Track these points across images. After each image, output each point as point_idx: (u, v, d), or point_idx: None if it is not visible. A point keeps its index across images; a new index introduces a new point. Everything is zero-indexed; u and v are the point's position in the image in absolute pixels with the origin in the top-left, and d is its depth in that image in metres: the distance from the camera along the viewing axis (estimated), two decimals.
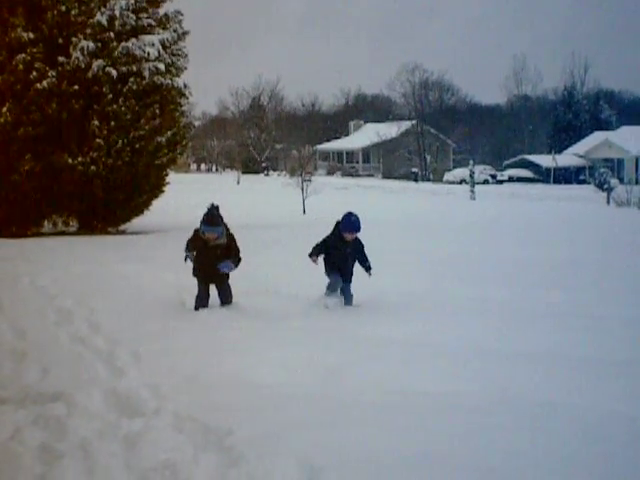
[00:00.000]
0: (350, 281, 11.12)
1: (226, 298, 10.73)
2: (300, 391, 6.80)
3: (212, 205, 10.54)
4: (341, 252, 10.91)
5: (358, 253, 11.09)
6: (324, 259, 11.03)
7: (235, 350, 8.37)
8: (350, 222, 10.87)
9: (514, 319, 10.38)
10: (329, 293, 10.83)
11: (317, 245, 10.97)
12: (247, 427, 5.67)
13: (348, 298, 11.03)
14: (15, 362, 8.01)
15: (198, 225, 10.51)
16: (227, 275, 10.72)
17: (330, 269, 10.97)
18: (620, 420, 5.99)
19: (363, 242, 11.19)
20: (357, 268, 11.17)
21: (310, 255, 10.93)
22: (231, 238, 10.64)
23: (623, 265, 17.27)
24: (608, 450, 5.28)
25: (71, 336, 9.05)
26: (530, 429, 5.72)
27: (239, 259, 10.63)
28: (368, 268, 11.13)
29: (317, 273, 11.12)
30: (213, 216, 10.42)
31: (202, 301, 10.58)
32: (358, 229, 10.89)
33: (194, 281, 10.75)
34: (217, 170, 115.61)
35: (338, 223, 10.99)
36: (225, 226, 10.54)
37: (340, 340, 8.58)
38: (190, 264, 10.73)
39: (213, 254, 10.49)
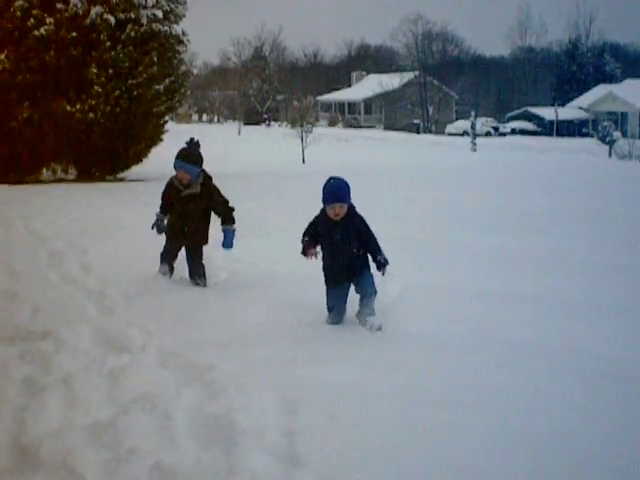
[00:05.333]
0: (357, 279, 7.29)
1: (197, 269, 8.82)
2: (285, 331, 6.89)
3: (191, 139, 8.79)
4: (330, 240, 7.15)
5: (359, 238, 7.13)
6: (322, 258, 7.37)
7: (224, 291, 8.46)
8: (330, 191, 7.01)
9: (506, 264, 10.44)
10: (328, 319, 7.30)
11: (304, 232, 7.36)
12: (229, 363, 5.77)
13: (365, 302, 7.21)
14: (6, 302, 8.07)
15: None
16: (201, 240, 8.82)
17: (327, 276, 7.39)
18: (592, 359, 6.13)
19: (366, 222, 7.20)
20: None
21: (303, 250, 7.27)
22: (213, 190, 8.65)
23: (620, 214, 17.28)
24: (578, 386, 5.41)
25: (62, 277, 9.11)
26: (509, 367, 5.82)
27: (232, 209, 8.69)
28: (380, 263, 7.10)
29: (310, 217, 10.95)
30: (189, 150, 8.61)
31: (168, 256, 8.88)
32: (341, 199, 6.95)
33: None
34: (219, 121, 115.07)
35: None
36: (205, 173, 8.66)
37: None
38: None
39: (184, 208, 8.62)
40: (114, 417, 4.85)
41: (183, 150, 8.62)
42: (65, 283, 8.86)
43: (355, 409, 4.89)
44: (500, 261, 10.66)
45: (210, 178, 8.72)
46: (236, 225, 8.77)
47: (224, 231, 8.72)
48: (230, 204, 8.74)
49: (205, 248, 8.95)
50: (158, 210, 8.82)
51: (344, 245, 7.09)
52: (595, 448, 4.41)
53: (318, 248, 7.24)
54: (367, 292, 7.17)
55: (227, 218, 8.70)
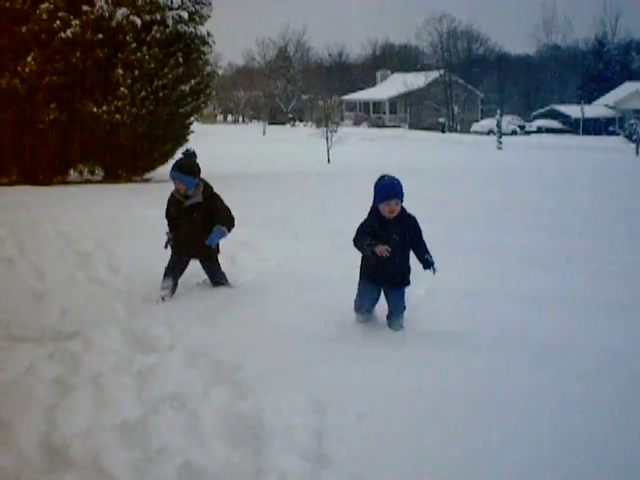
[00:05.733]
0: (401, 286, 7.09)
1: (218, 277, 8.72)
2: (313, 331, 6.89)
3: (187, 150, 8.76)
4: (388, 241, 6.77)
5: (413, 238, 6.99)
6: (361, 259, 7.10)
7: (251, 292, 8.46)
8: (385, 187, 6.85)
9: (535, 264, 10.41)
10: (358, 318, 7.29)
11: (357, 237, 6.93)
12: (257, 363, 5.78)
13: (395, 317, 7.10)
14: (35, 303, 8.13)
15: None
16: (213, 250, 8.58)
17: (364, 277, 7.14)
18: (616, 358, 6.10)
19: (417, 221, 7.07)
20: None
21: (371, 249, 6.73)
22: (214, 198, 8.47)
23: None
24: (608, 386, 5.38)
25: (90, 277, 9.16)
26: (538, 367, 5.80)
27: (232, 218, 8.46)
28: (429, 263, 6.95)
29: (336, 217, 10.85)
30: (184, 161, 8.50)
31: (173, 271, 8.52)
32: (397, 194, 6.81)
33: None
34: (243, 121, 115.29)
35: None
36: (204, 182, 8.48)
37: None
38: None
39: (189, 219, 8.39)
40: (143, 416, 4.87)
41: (179, 161, 8.53)
42: (93, 283, 8.91)
43: (383, 409, 4.89)
44: (529, 261, 10.62)
45: (211, 187, 8.54)
46: (229, 233, 8.45)
47: (214, 229, 8.33)
48: (232, 213, 8.50)
49: (230, 249, 8.93)
50: (168, 229, 8.64)
51: (403, 246, 6.90)
52: (628, 450, 4.39)
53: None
54: (398, 308, 7.07)
55: (225, 223, 8.40)
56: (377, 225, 6.87)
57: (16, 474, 4.28)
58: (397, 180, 6.90)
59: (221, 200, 8.50)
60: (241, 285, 8.78)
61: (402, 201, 6.88)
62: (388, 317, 7.11)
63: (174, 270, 8.50)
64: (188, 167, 8.38)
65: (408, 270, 7.04)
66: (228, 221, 8.41)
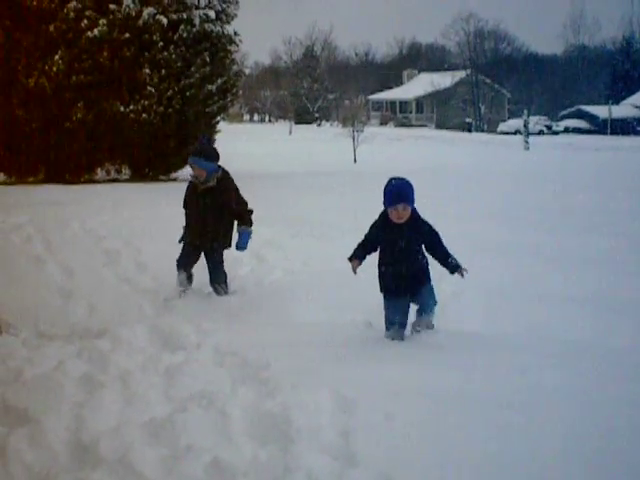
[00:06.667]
0: (417, 290, 6.68)
1: (218, 277, 8.45)
2: (339, 330, 6.89)
3: (203, 136, 8.95)
4: (393, 247, 6.56)
5: (425, 245, 6.63)
6: (378, 265, 6.75)
7: (278, 291, 8.48)
8: (392, 191, 6.49)
9: (563, 264, 10.37)
10: (389, 335, 6.70)
11: (365, 235, 6.80)
12: (284, 361, 5.77)
13: (426, 313, 6.74)
14: (63, 301, 8.20)
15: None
16: (222, 241, 8.44)
17: (387, 287, 6.74)
18: None
19: (432, 225, 6.69)
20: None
21: (350, 257, 6.81)
22: (231, 187, 8.41)
23: None
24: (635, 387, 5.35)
25: (118, 276, 9.22)
26: (565, 368, 5.76)
27: (250, 212, 8.47)
28: (454, 267, 6.61)
29: (362, 216, 10.77)
30: (203, 146, 8.50)
31: (186, 260, 8.49)
32: (404, 199, 6.43)
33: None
34: (270, 120, 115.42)
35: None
36: (223, 169, 8.45)
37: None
38: None
39: (203, 203, 8.32)
40: (171, 414, 4.88)
41: (197, 146, 8.55)
42: (120, 282, 8.97)
43: (411, 408, 4.87)
44: (557, 261, 10.58)
45: (228, 174, 8.49)
46: (252, 228, 8.47)
47: (240, 232, 8.43)
48: (249, 206, 8.49)
49: (255, 248, 8.90)
50: (185, 224, 8.59)
51: (409, 252, 6.54)
52: None
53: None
54: (428, 304, 6.67)
55: (244, 218, 8.42)
56: (382, 229, 6.58)
57: (45, 471, 4.30)
58: (407, 183, 6.54)
59: (237, 190, 8.44)
60: (269, 284, 8.79)
61: (411, 206, 6.48)
62: (418, 312, 6.74)
63: (187, 259, 8.45)
64: (207, 152, 8.38)
65: (425, 274, 6.67)
66: (246, 215, 8.42)
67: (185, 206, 8.58)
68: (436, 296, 6.74)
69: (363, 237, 6.75)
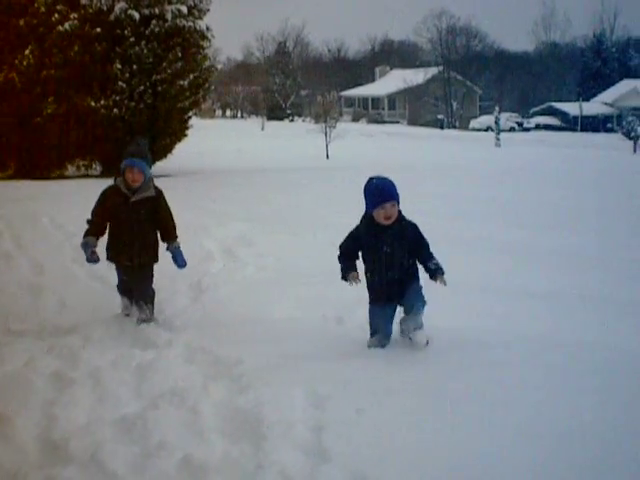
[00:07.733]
0: (409, 292, 6.15)
1: (143, 293, 7.21)
2: (311, 326, 6.88)
3: (140, 137, 7.54)
4: (379, 253, 6.11)
5: (411, 248, 6.17)
6: (365, 273, 6.27)
7: (250, 287, 8.46)
8: (377, 189, 6.08)
9: (532, 260, 10.44)
10: (372, 343, 6.26)
11: (341, 246, 6.33)
12: (256, 358, 5.78)
13: (414, 313, 6.11)
14: (33, 297, 8.13)
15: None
16: (153, 256, 7.27)
17: (374, 294, 6.30)
18: (623, 355, 6.07)
19: (419, 228, 6.25)
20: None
21: (343, 276, 6.24)
22: (162, 196, 7.27)
23: None
24: (611, 383, 5.36)
25: (88, 272, 9.14)
26: (533, 363, 5.79)
27: (174, 228, 7.31)
28: (434, 271, 6.13)
29: (334, 212, 10.71)
30: (143, 147, 7.21)
31: (126, 285, 7.34)
32: (391, 196, 6.03)
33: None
34: (242, 116, 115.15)
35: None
36: (152, 178, 7.26)
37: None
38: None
39: (135, 216, 7.08)
40: (143, 411, 4.87)
41: (137, 147, 7.17)
42: (91, 278, 8.90)
43: (383, 404, 4.88)
44: (527, 257, 10.64)
45: (153, 184, 7.28)
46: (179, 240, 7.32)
47: (173, 250, 7.24)
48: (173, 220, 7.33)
49: (227, 244, 8.76)
50: (84, 239, 7.20)
51: (395, 257, 6.08)
52: (629, 446, 4.39)
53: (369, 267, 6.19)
54: (416, 305, 6.07)
55: (171, 233, 7.25)
56: (366, 235, 6.12)
57: (15, 468, 4.27)
58: (389, 180, 6.15)
59: (166, 200, 7.31)
60: (240, 281, 8.78)
61: (398, 203, 6.08)
62: (406, 312, 6.20)
63: (126, 286, 7.37)
64: (148, 156, 7.21)
65: (413, 277, 6.19)
66: (174, 230, 7.31)
67: (96, 218, 7.25)
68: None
69: (342, 247, 6.28)
